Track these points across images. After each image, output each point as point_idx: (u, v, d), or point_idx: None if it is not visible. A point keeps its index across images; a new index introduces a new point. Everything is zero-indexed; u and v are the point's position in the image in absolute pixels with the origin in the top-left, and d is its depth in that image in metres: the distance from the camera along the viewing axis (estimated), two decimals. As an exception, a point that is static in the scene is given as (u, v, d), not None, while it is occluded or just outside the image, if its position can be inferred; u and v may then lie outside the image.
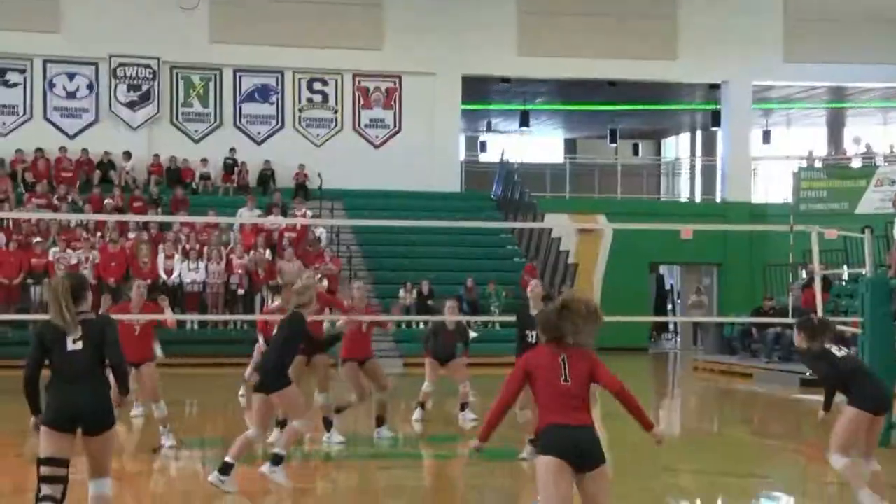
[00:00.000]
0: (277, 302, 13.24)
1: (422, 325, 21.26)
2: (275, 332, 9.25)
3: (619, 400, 5.51)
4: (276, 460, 8.84)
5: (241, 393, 15.63)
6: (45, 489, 6.01)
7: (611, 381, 5.52)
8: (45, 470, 6.01)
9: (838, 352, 7.79)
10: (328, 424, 11.43)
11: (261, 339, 16.10)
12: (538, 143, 36.47)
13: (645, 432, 5.53)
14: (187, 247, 22.78)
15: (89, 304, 6.22)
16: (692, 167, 34.19)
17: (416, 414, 13.06)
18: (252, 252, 22.86)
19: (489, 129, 35.09)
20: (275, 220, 23.55)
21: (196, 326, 22.10)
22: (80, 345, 6.01)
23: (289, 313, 9.10)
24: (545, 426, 5.40)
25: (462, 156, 30.55)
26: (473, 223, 22.93)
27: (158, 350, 13.50)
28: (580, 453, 5.32)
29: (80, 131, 26.58)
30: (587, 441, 5.37)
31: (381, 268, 24.59)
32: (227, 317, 21.52)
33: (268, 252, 23.07)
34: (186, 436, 11.60)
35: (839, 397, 7.82)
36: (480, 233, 25.14)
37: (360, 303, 11.77)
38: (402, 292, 22.99)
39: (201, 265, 22.36)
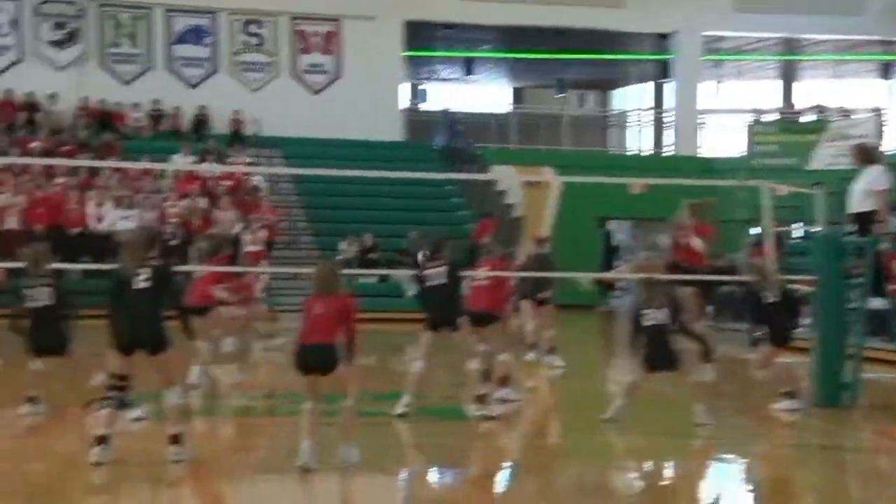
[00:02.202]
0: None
1: (361, 280, 20.59)
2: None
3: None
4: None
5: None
6: None
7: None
8: None
9: (429, 272, 9.62)
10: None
11: None
12: (484, 92, 35.65)
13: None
14: (119, 194, 21.80)
15: None
16: (640, 120, 33.62)
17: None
18: (187, 200, 21.92)
19: (433, 76, 34.22)
20: (210, 168, 22.61)
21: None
22: None
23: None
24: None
25: (404, 104, 29.70)
26: (417, 174, 22.15)
27: None
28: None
29: (3, 70, 25.30)
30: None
31: (321, 219, 23.77)
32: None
33: (203, 201, 22.14)
34: None
35: None
36: (424, 184, 24.37)
37: None
38: (343, 245, 22.18)
39: (134, 213, 21.40)
